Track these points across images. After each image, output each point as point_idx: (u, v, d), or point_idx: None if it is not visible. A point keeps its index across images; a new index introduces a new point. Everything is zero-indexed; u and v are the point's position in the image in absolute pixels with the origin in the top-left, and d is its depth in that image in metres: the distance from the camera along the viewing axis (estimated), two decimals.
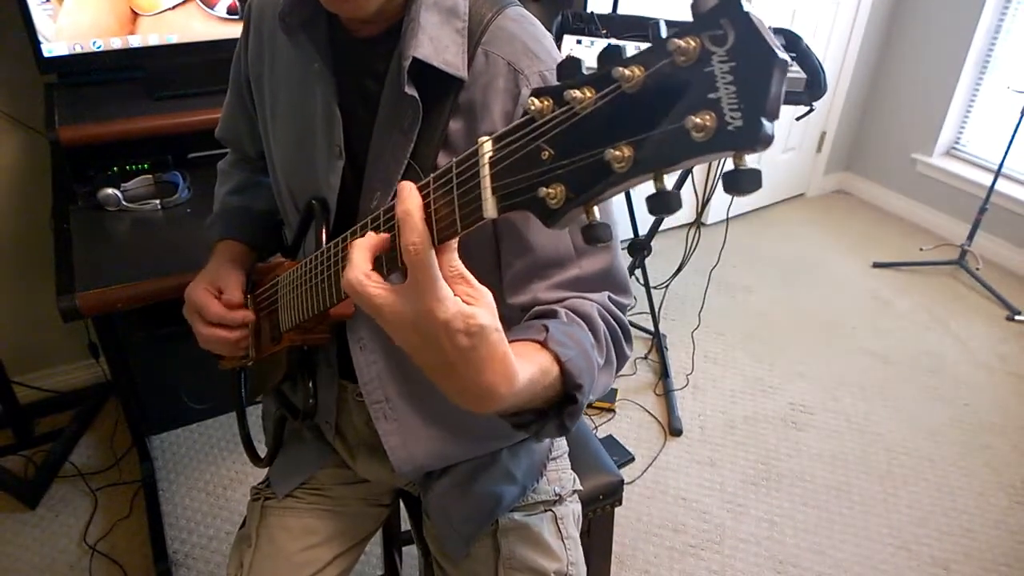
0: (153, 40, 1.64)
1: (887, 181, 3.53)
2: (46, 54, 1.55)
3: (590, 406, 2.25)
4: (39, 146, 1.81)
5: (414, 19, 0.76)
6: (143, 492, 1.90)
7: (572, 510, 1.07)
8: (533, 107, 0.45)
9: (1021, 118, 2.62)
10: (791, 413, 2.30)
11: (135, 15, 1.61)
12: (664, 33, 0.39)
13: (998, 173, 2.79)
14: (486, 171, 0.49)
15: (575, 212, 0.45)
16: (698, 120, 0.36)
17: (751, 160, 0.37)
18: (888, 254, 3.14)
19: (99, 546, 1.78)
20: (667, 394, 2.31)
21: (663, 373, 2.38)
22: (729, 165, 0.38)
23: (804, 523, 1.93)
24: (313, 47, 0.82)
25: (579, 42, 1.81)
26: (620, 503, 1.27)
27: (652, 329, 2.51)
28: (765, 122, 0.35)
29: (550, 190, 0.45)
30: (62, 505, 1.89)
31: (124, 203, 1.53)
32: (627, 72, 0.39)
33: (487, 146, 0.49)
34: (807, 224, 3.41)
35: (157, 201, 1.55)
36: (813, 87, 1.81)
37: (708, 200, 2.93)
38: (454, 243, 0.55)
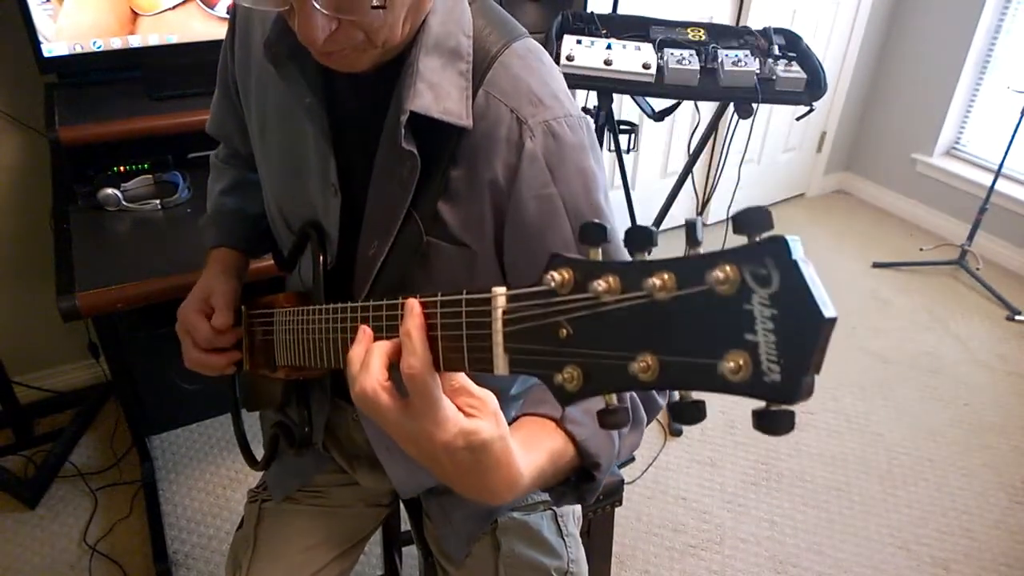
0: (153, 40, 1.64)
1: (887, 181, 3.53)
2: (46, 54, 1.55)
3: None
4: (39, 146, 1.81)
5: (412, 65, 0.71)
6: (143, 492, 1.90)
7: (572, 509, 1.07)
8: (554, 281, 0.43)
9: (1021, 118, 2.62)
10: None
11: (135, 15, 1.61)
12: (700, 234, 0.37)
13: (998, 173, 2.79)
14: (499, 326, 0.47)
15: (592, 397, 0.43)
16: (732, 364, 0.34)
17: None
18: (888, 254, 3.14)
19: (99, 546, 1.78)
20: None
21: None
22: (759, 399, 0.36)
23: (804, 523, 1.93)
24: (304, 81, 0.76)
25: (579, 42, 1.81)
26: (620, 503, 1.27)
27: None
28: (806, 380, 0.33)
29: (565, 375, 0.43)
30: (62, 505, 1.89)
31: (124, 203, 1.53)
32: (658, 283, 0.37)
33: (501, 300, 0.47)
34: (807, 224, 3.41)
35: (157, 201, 1.55)
36: (813, 87, 1.81)
37: (708, 200, 2.93)
38: None
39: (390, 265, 0.78)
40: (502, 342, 0.47)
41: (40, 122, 1.70)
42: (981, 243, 3.06)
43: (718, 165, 2.51)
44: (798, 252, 0.33)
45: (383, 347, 0.56)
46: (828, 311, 0.32)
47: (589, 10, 1.95)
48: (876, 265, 3.07)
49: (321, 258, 0.84)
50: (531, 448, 0.61)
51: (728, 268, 0.34)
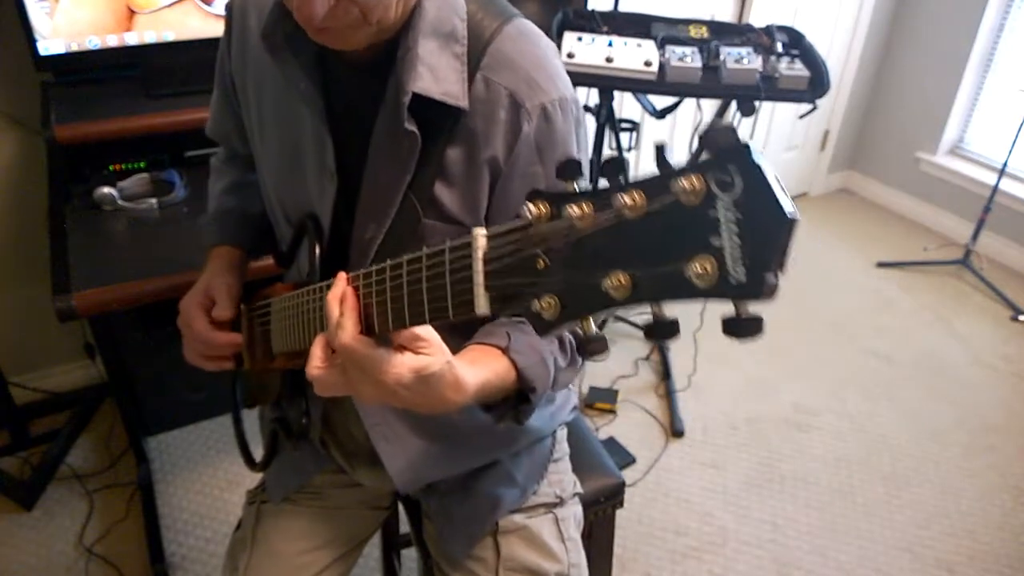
0: (150, 38, 1.63)
1: (891, 180, 3.51)
2: (42, 52, 1.55)
3: (591, 407, 2.24)
4: (35, 145, 1.80)
5: (411, 48, 0.73)
6: (140, 494, 1.89)
7: (573, 512, 1.07)
8: (530, 214, 0.45)
9: None
10: (794, 414, 2.28)
11: (132, 13, 1.60)
12: (669, 157, 0.38)
13: (1002, 172, 2.77)
14: (480, 266, 0.49)
15: (570, 324, 0.45)
16: (699, 267, 0.36)
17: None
18: (892, 253, 3.13)
19: (96, 548, 1.77)
20: (669, 395, 2.29)
21: (665, 374, 2.36)
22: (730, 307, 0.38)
23: (807, 525, 1.92)
24: (300, 67, 0.78)
25: (580, 39, 1.79)
26: (621, 505, 1.26)
27: None
28: (769, 276, 0.34)
29: (543, 304, 0.44)
30: (58, 507, 1.88)
31: (120, 202, 1.51)
32: (628, 200, 0.39)
33: (481, 240, 0.49)
34: (810, 223, 3.39)
35: (154, 200, 1.54)
36: (816, 85, 1.80)
37: None
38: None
39: (386, 248, 0.80)
40: (483, 282, 0.49)
41: (36, 121, 1.69)
42: (985, 242, 3.04)
43: None
44: (759, 157, 0.35)
45: (321, 340, 0.66)
46: (790, 210, 0.34)
47: (590, 7, 1.94)
48: (880, 264, 3.05)
49: (317, 246, 0.85)
50: (478, 365, 0.70)
51: (694, 178, 0.36)
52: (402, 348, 0.62)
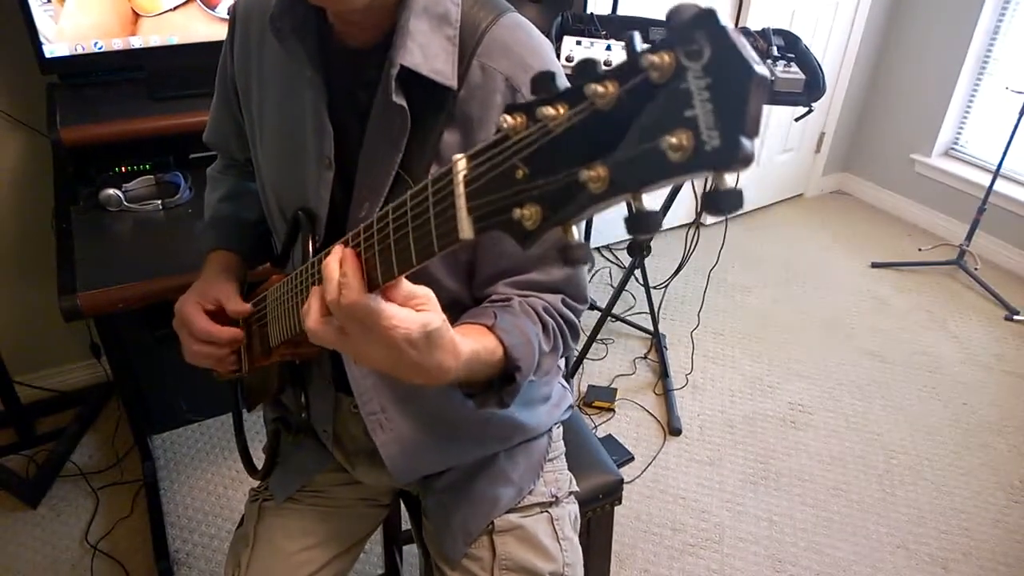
0: (154, 41, 1.65)
1: (886, 181, 3.54)
2: (47, 55, 1.56)
3: (590, 405, 2.26)
4: (41, 146, 1.82)
5: (403, 26, 0.75)
6: (144, 491, 1.91)
7: (569, 511, 1.07)
8: (506, 124, 0.44)
9: (1020, 118, 2.63)
10: (790, 413, 2.30)
11: (136, 16, 1.62)
12: (639, 46, 0.37)
13: (997, 173, 2.79)
14: (461, 190, 0.48)
15: (552, 233, 0.44)
16: (674, 140, 0.35)
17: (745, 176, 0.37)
18: (887, 254, 3.15)
19: (101, 545, 1.79)
20: (666, 394, 2.31)
21: (662, 373, 2.39)
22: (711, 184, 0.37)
23: (803, 522, 1.94)
24: (304, 54, 0.80)
25: (579, 43, 1.82)
26: (619, 502, 1.27)
27: (652, 329, 2.52)
28: (744, 140, 0.33)
29: (524, 211, 0.43)
30: (64, 504, 1.89)
31: (126, 203, 1.53)
32: (600, 89, 0.38)
33: (461, 164, 0.48)
34: (806, 224, 3.41)
35: (159, 201, 1.56)
36: (812, 88, 1.82)
37: None
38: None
39: None
40: (465, 204, 0.48)
41: (42, 123, 1.71)
42: (979, 243, 3.07)
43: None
44: (725, 18, 0.34)
45: (316, 290, 0.64)
46: (758, 67, 0.33)
47: (589, 11, 1.96)
48: (875, 265, 3.08)
49: (311, 237, 0.85)
50: (468, 337, 0.70)
51: (664, 54, 0.35)
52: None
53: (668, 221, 2.31)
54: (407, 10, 0.75)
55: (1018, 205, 2.99)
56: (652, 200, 0.42)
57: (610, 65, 0.39)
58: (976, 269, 3.01)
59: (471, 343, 0.70)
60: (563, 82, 0.42)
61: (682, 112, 0.35)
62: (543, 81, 0.43)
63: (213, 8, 1.67)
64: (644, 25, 1.94)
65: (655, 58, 0.35)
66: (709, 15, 0.34)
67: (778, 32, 1.94)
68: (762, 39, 1.91)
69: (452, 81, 0.76)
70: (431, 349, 0.63)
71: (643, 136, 0.36)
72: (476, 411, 0.78)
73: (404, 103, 0.75)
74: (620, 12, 2.18)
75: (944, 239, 3.24)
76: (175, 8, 1.64)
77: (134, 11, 1.61)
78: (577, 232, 0.44)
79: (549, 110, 0.41)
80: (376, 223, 0.59)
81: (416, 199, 0.53)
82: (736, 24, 2.86)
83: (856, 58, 3.32)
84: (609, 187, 0.39)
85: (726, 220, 2.69)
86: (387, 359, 0.63)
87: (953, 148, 3.31)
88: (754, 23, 2.79)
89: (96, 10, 1.57)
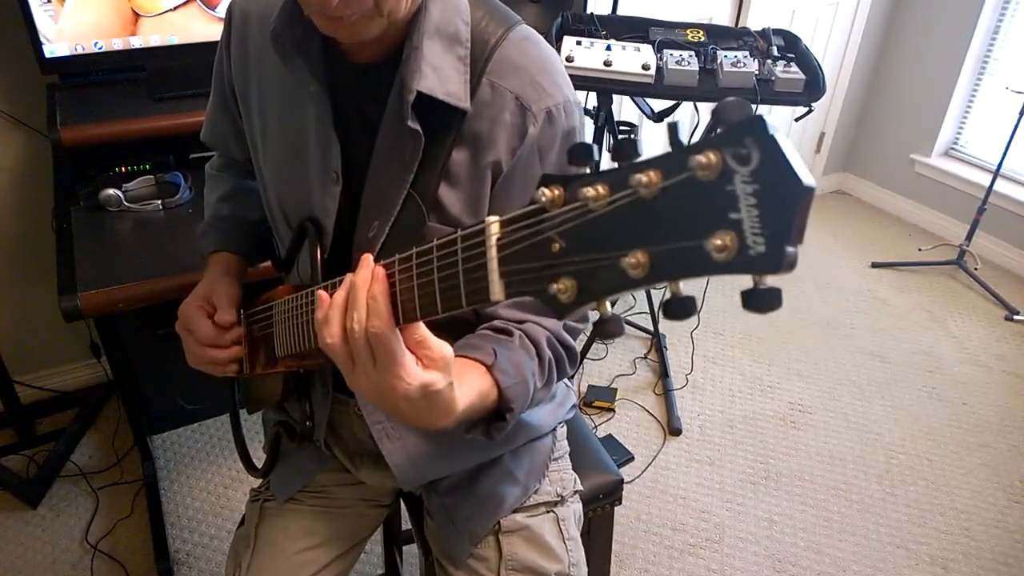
0: (154, 41, 1.65)
1: (886, 181, 3.54)
2: (48, 55, 1.56)
3: (590, 405, 2.26)
4: (41, 146, 1.82)
5: (416, 47, 0.74)
6: (144, 491, 1.91)
7: (573, 511, 1.07)
8: (544, 198, 0.44)
9: (1020, 118, 2.63)
10: (790, 412, 2.30)
11: (136, 16, 1.62)
12: (682, 135, 0.38)
13: (997, 173, 2.79)
14: (493, 252, 0.48)
15: (587, 306, 0.44)
16: (719, 241, 0.35)
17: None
18: (887, 254, 3.15)
19: (101, 545, 1.79)
20: (666, 394, 2.31)
21: (662, 373, 2.39)
22: (748, 282, 0.37)
23: (803, 522, 1.94)
24: (308, 70, 0.79)
25: (579, 43, 1.81)
26: (620, 502, 1.27)
27: (652, 329, 2.52)
28: (789, 249, 0.34)
29: (560, 285, 0.44)
30: (64, 504, 1.89)
31: (126, 204, 1.53)
32: (644, 179, 0.38)
33: (495, 227, 0.48)
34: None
35: (159, 202, 1.56)
36: (812, 88, 1.82)
37: None
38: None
39: (389, 249, 0.80)
40: (497, 268, 0.48)
41: (42, 123, 1.71)
42: (980, 243, 3.07)
43: None
44: (774, 128, 0.34)
45: (340, 302, 0.61)
46: (807, 179, 0.33)
47: (589, 11, 1.96)
48: (875, 265, 3.08)
49: (318, 249, 0.85)
50: (464, 385, 0.68)
51: (710, 153, 0.35)
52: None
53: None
54: (418, 31, 0.75)
55: (1018, 205, 2.99)
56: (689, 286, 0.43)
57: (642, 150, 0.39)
58: (976, 269, 3.01)
59: (467, 395, 0.68)
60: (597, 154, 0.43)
61: (727, 213, 0.35)
62: (581, 153, 0.43)
63: (213, 8, 1.67)
64: (644, 25, 1.94)
65: (702, 158, 0.35)
66: (759, 121, 0.35)
67: (778, 32, 1.94)
68: (762, 39, 1.91)
69: (465, 103, 0.76)
70: (425, 409, 0.62)
71: (686, 231, 0.37)
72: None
73: (419, 127, 0.75)
74: (620, 12, 2.18)
75: (944, 239, 3.24)
76: (175, 8, 1.64)
77: (134, 11, 1.61)
78: (611, 307, 0.44)
79: (590, 191, 0.41)
80: (398, 264, 0.58)
81: (443, 250, 0.53)
82: (736, 24, 2.86)
83: (856, 58, 3.32)
84: (649, 274, 0.39)
85: None
86: (378, 398, 0.62)
87: (953, 148, 3.31)
88: (754, 23, 2.79)
89: (96, 10, 1.57)
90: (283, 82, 0.86)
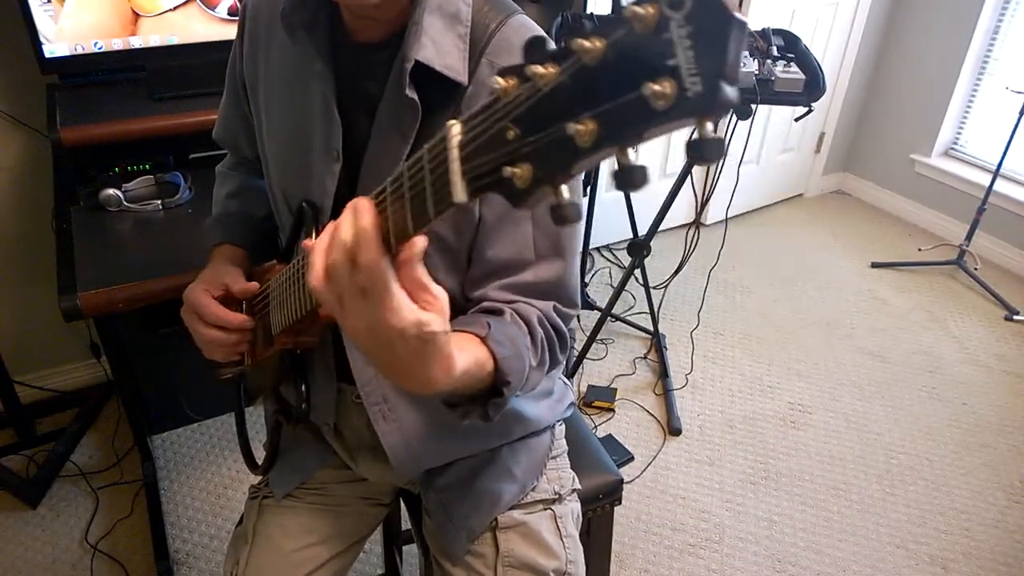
0: (154, 41, 1.65)
1: (886, 181, 3.54)
2: (47, 55, 1.56)
3: (590, 405, 2.26)
4: (41, 146, 1.82)
5: (417, 23, 0.77)
6: (144, 491, 1.91)
7: (571, 509, 1.08)
8: (498, 86, 0.44)
9: (1019, 118, 2.63)
10: (790, 412, 2.30)
11: (136, 16, 1.62)
12: (625, 1, 0.38)
13: (996, 173, 2.79)
14: (455, 154, 0.48)
15: (543, 192, 0.44)
16: (657, 87, 0.35)
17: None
18: (887, 254, 3.15)
19: (100, 545, 1.79)
20: (666, 394, 2.31)
21: (662, 373, 2.39)
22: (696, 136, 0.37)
23: (803, 522, 1.94)
24: (314, 48, 0.82)
25: None
26: (619, 502, 1.27)
27: (651, 329, 2.52)
28: (725, 86, 0.34)
29: (516, 170, 0.43)
30: (63, 504, 1.90)
31: (125, 203, 1.53)
32: (587, 44, 0.38)
33: (456, 128, 0.48)
34: (806, 224, 3.41)
35: (158, 202, 1.56)
36: (812, 88, 1.82)
37: (707, 200, 2.93)
38: (418, 254, 0.57)
39: None
40: (459, 168, 0.47)
41: (42, 123, 1.71)
42: (979, 243, 3.07)
43: (717, 165, 2.52)
44: None
45: (322, 244, 0.59)
46: (735, 12, 0.34)
47: (589, 11, 1.96)
48: (875, 265, 3.08)
49: (314, 229, 0.86)
50: (462, 351, 0.67)
51: (647, 5, 0.36)
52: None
53: (668, 221, 2.31)
54: (420, 7, 0.77)
55: (1018, 205, 2.99)
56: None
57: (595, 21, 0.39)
58: (976, 269, 3.01)
59: (466, 359, 0.67)
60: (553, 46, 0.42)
61: (664, 61, 0.35)
62: (535, 45, 0.43)
63: (213, 8, 1.67)
64: None
65: (639, 9, 0.36)
66: None
67: (778, 32, 1.95)
68: (762, 39, 1.91)
69: (463, 77, 0.79)
70: (423, 355, 0.60)
71: (627, 86, 0.37)
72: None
73: (416, 97, 0.77)
74: None
75: (944, 239, 3.24)
76: (175, 8, 1.64)
77: (134, 11, 1.61)
78: (568, 192, 0.44)
79: (539, 69, 0.41)
80: (376, 196, 0.58)
81: (414, 168, 0.53)
82: None
83: (856, 58, 3.32)
84: (596, 140, 0.39)
85: (726, 220, 2.69)
86: (372, 339, 0.58)
87: (953, 148, 3.31)
88: (754, 23, 2.79)
89: (96, 10, 1.58)
90: (289, 62, 0.88)
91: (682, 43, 0.35)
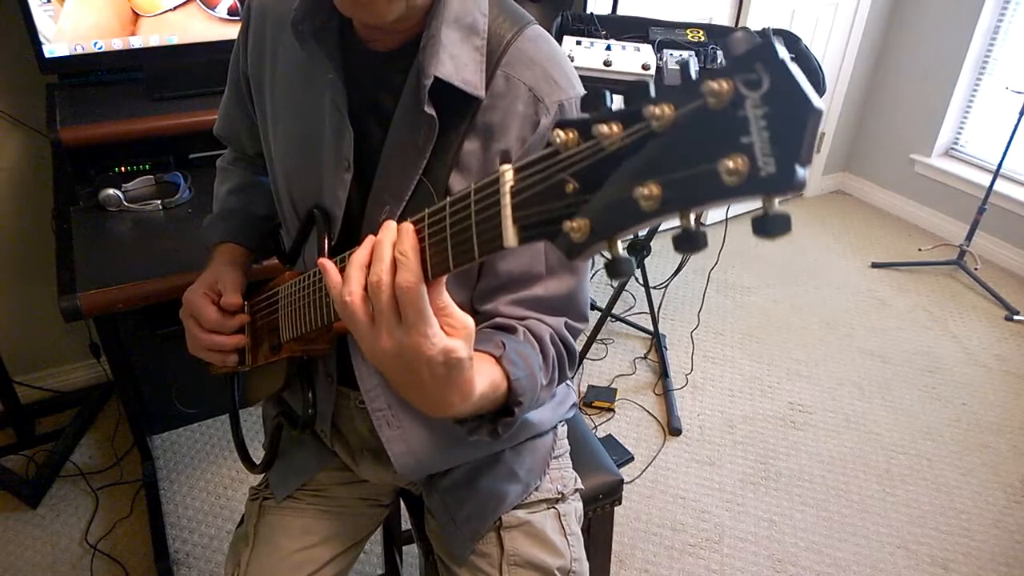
0: (154, 41, 1.65)
1: (886, 181, 3.54)
2: (47, 55, 1.56)
3: (590, 405, 2.26)
4: (40, 146, 1.82)
5: (434, 35, 0.75)
6: (144, 491, 1.91)
7: (574, 508, 1.08)
8: (558, 140, 0.44)
9: (1020, 118, 2.63)
10: (790, 412, 2.30)
11: (136, 16, 1.62)
12: (694, 73, 0.38)
13: (996, 173, 2.80)
14: (507, 200, 0.48)
15: (599, 246, 0.44)
16: (730, 164, 0.36)
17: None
18: (887, 254, 3.15)
19: (100, 545, 1.79)
20: (666, 394, 2.31)
21: (662, 373, 2.39)
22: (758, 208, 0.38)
23: (803, 522, 1.94)
24: (326, 56, 0.81)
25: (579, 43, 1.81)
26: (620, 502, 1.27)
27: (651, 329, 2.52)
28: (799, 168, 0.35)
29: (574, 224, 0.44)
30: (63, 504, 1.89)
31: (125, 203, 1.53)
32: (657, 111, 0.39)
33: (508, 175, 0.49)
34: (806, 224, 3.41)
35: (158, 201, 1.56)
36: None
37: None
38: (443, 278, 0.57)
39: None
40: (511, 214, 0.48)
41: (41, 122, 1.71)
42: (980, 243, 3.07)
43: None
44: (783, 52, 0.35)
45: (360, 260, 0.59)
46: (816, 101, 0.34)
47: (589, 11, 1.96)
48: (875, 265, 3.08)
49: (326, 237, 0.85)
50: (479, 373, 0.66)
51: (722, 81, 0.36)
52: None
53: (668, 221, 2.31)
54: (437, 19, 0.76)
55: (1018, 205, 2.99)
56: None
57: (660, 85, 0.40)
58: (976, 269, 3.01)
59: (482, 382, 0.66)
60: (613, 102, 0.43)
61: (739, 138, 0.36)
62: (595, 99, 0.43)
63: (213, 8, 1.67)
64: (644, 25, 1.94)
65: (714, 85, 0.36)
66: (768, 47, 0.36)
67: (778, 32, 1.94)
68: (762, 39, 1.91)
69: (480, 91, 0.78)
70: (447, 381, 0.60)
71: (698, 159, 0.37)
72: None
73: (434, 113, 0.76)
74: (620, 12, 2.18)
75: (944, 239, 3.24)
76: (175, 8, 1.64)
77: (134, 11, 1.61)
78: (623, 247, 0.44)
79: (603, 128, 0.41)
80: (414, 223, 0.58)
81: (457, 205, 0.53)
82: (736, 24, 2.86)
83: (856, 58, 3.32)
84: (661, 205, 0.39)
85: (726, 220, 2.69)
86: (398, 363, 0.59)
87: (953, 148, 3.31)
88: (754, 23, 2.79)
89: (96, 10, 1.57)
90: (299, 71, 0.87)
91: (757, 123, 0.35)
